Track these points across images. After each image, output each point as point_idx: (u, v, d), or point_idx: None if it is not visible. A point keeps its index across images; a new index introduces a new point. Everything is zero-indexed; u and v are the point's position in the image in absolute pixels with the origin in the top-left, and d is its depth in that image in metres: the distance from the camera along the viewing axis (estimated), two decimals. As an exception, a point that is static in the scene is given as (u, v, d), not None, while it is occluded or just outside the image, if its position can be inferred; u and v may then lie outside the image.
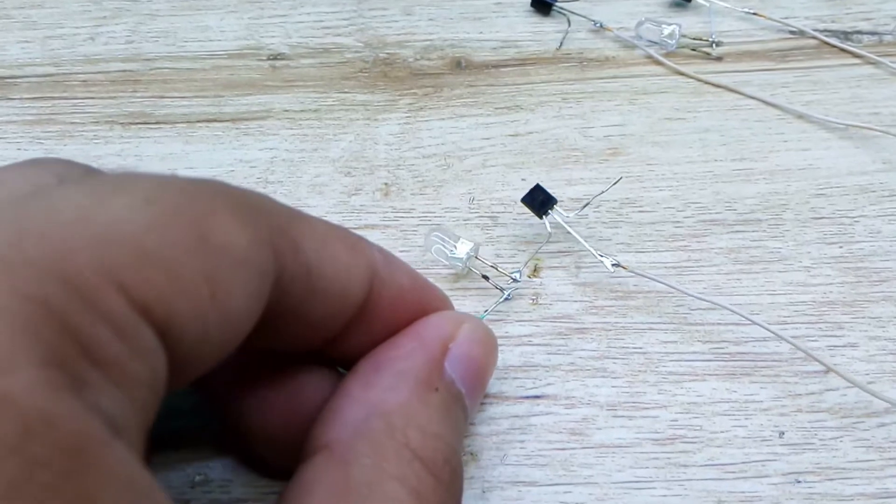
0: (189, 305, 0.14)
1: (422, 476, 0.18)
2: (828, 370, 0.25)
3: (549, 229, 0.27)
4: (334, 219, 0.29)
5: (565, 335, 0.26)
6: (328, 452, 0.18)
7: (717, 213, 0.29)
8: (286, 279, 0.17)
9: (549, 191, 0.30)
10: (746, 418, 0.24)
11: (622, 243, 0.28)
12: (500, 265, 0.27)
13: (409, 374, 0.19)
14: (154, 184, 0.15)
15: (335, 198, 0.30)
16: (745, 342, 0.26)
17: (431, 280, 0.27)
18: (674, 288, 0.26)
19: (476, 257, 0.27)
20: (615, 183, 0.28)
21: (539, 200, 0.27)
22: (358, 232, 0.29)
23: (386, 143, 0.32)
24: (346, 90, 0.33)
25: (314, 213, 0.29)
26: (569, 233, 0.27)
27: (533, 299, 0.27)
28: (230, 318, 0.15)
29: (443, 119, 0.32)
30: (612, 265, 0.26)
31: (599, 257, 0.26)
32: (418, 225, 0.29)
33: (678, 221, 0.29)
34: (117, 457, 0.13)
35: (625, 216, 0.29)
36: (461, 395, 0.20)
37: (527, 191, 0.27)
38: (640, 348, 0.26)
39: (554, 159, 0.31)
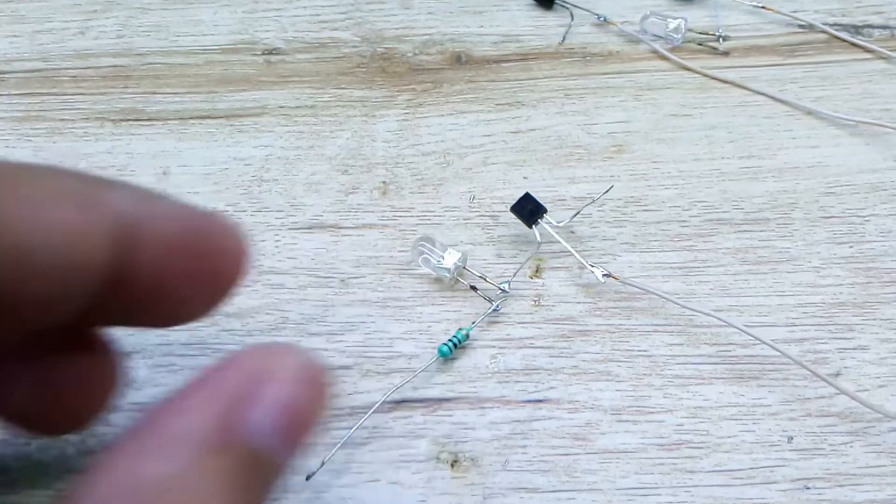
0: None
1: None
2: (830, 384, 0.25)
3: (538, 239, 0.27)
4: (330, 218, 0.29)
5: (568, 337, 0.26)
6: None
7: (724, 212, 0.29)
8: None
9: (552, 190, 0.30)
10: (754, 423, 0.24)
11: (626, 243, 0.28)
12: (494, 269, 0.27)
13: (188, 436, 0.15)
14: None
15: (332, 196, 0.30)
16: (753, 345, 0.26)
17: (423, 288, 0.27)
18: (665, 297, 0.26)
19: (464, 267, 0.27)
20: (605, 192, 0.28)
21: (528, 209, 0.27)
22: (354, 232, 0.29)
23: (384, 140, 0.32)
24: (342, 86, 0.33)
25: (310, 212, 0.30)
26: (567, 237, 0.27)
27: (535, 301, 0.27)
28: None
29: (442, 115, 0.32)
30: (603, 275, 0.26)
31: (590, 268, 0.27)
32: (417, 224, 0.29)
33: (684, 221, 0.29)
34: None
35: (629, 215, 0.29)
36: (268, 453, 0.16)
37: (518, 198, 0.27)
38: (645, 351, 0.26)
39: (556, 157, 0.31)
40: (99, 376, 0.20)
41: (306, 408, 0.17)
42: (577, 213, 0.28)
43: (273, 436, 0.16)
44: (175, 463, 0.15)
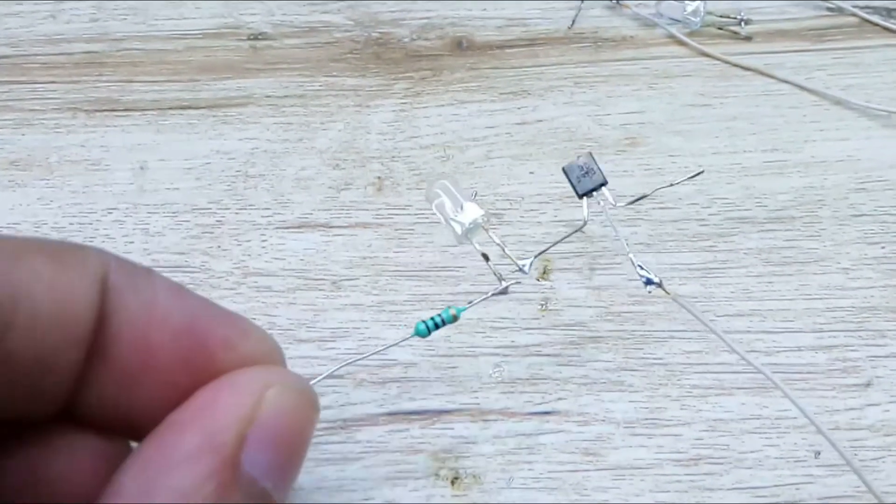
0: None
1: None
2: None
3: (586, 215, 0.24)
4: (321, 216, 0.29)
5: (578, 344, 0.26)
6: None
7: (746, 209, 0.29)
8: None
9: (560, 186, 0.30)
10: (779, 437, 0.25)
11: (641, 243, 0.29)
12: (510, 252, 0.24)
13: (193, 492, 0.16)
14: None
15: (322, 193, 0.30)
16: (777, 352, 0.26)
17: (421, 291, 0.27)
18: (720, 336, 0.22)
19: (483, 228, 0.24)
20: (694, 176, 0.25)
21: (584, 173, 0.23)
22: (347, 231, 0.29)
23: (379, 133, 0.32)
24: (334, 73, 0.34)
25: (299, 210, 0.30)
26: (576, 235, 0.26)
27: (542, 304, 0.27)
28: None
29: (442, 105, 0.32)
30: (648, 284, 0.23)
31: (639, 273, 0.23)
32: (415, 223, 0.29)
33: (703, 219, 0.29)
34: None
35: (644, 213, 0.29)
36: (267, 493, 0.17)
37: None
38: (661, 359, 0.26)
39: (565, 150, 0.31)
40: (84, 470, 0.19)
41: (296, 436, 0.18)
42: (643, 196, 0.25)
43: (267, 474, 0.17)
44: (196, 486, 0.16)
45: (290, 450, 0.18)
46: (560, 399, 0.25)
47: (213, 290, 0.28)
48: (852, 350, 0.26)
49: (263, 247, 0.29)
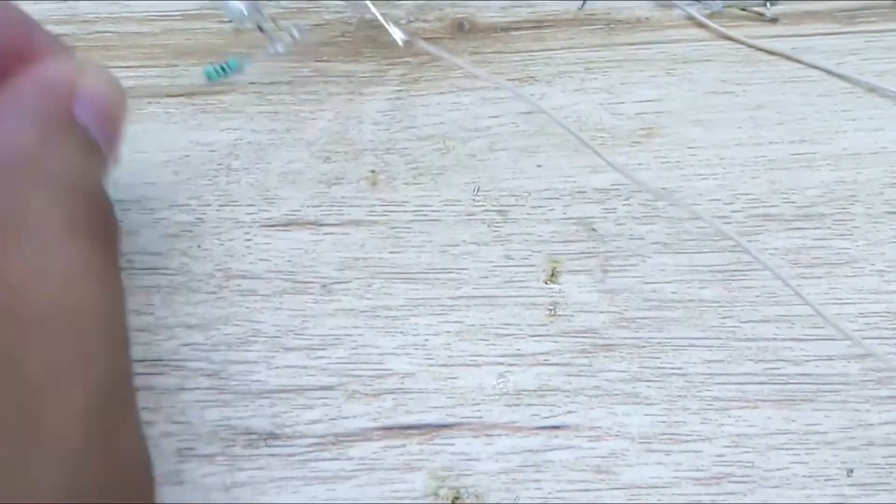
0: None
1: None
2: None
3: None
4: (310, 213, 0.29)
5: (589, 353, 0.26)
6: None
7: (772, 206, 0.29)
8: None
9: (571, 180, 0.30)
10: (807, 453, 0.25)
11: (658, 242, 0.28)
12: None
13: (37, 113, 0.21)
14: None
15: (312, 188, 0.30)
16: (806, 361, 0.26)
17: (419, 295, 0.27)
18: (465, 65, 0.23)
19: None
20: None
21: None
22: (338, 230, 0.29)
23: (373, 123, 0.32)
24: (324, 58, 0.33)
25: (286, 206, 0.30)
26: (588, 234, 0.27)
27: (550, 310, 0.27)
28: None
29: (441, 93, 0.32)
30: (403, 41, 0.26)
31: (388, 25, 0.26)
32: (412, 221, 0.29)
33: (726, 216, 0.29)
34: None
35: (661, 210, 0.29)
36: (96, 146, 0.22)
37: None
38: (680, 369, 0.26)
39: (576, 142, 0.31)
40: None
41: (115, 107, 0.23)
42: None
43: (96, 130, 0.22)
44: (34, 135, 0.21)
45: (113, 114, 0.23)
46: (570, 412, 0.25)
47: (192, 293, 0.28)
48: (889, 359, 0.26)
49: (247, 247, 0.29)
